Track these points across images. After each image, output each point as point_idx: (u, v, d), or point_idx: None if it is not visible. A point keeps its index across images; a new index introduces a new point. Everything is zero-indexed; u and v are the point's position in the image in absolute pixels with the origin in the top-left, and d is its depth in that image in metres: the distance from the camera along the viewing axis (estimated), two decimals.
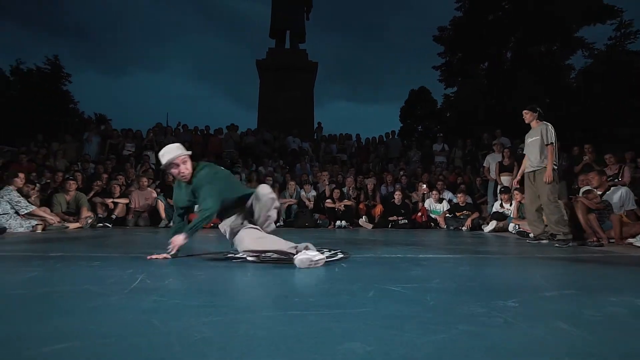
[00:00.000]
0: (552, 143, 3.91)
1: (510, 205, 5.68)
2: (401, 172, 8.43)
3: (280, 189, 7.60)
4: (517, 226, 5.12)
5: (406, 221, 6.47)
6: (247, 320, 1.12)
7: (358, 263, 2.35)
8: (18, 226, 4.47)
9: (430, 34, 21.86)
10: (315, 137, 12.38)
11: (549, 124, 4.01)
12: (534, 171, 4.05)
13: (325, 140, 11.77)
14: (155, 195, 6.55)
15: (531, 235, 4.27)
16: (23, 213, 4.58)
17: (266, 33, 15.11)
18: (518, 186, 4.74)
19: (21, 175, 4.81)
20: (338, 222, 6.53)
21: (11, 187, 4.64)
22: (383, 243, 3.92)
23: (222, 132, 10.77)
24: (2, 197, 4.51)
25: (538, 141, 3.98)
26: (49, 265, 2.12)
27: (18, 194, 4.63)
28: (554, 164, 3.91)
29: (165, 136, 9.56)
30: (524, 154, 4.40)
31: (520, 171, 4.42)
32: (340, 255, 2.67)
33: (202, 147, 10.19)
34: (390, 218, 6.59)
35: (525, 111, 4.19)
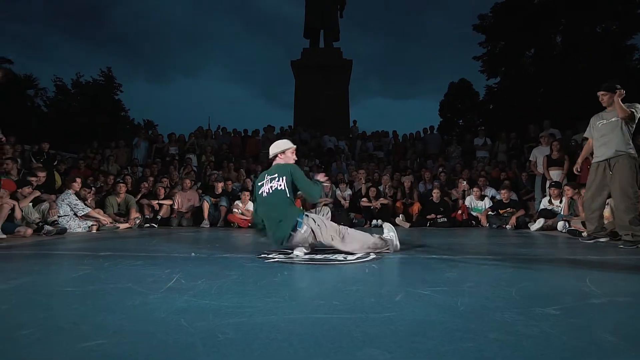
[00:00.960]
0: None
1: (560, 202, 5.28)
2: (440, 169, 8.14)
3: None
4: (567, 224, 4.74)
5: (445, 219, 6.24)
6: (270, 323, 1.14)
7: (390, 264, 2.30)
8: (76, 227, 4.89)
9: (470, 23, 20.90)
10: (350, 136, 12.31)
11: (638, 105, 3.42)
12: (609, 159, 3.44)
13: (361, 138, 11.67)
14: (197, 196, 6.87)
15: (584, 233, 3.93)
16: (80, 215, 5.00)
17: (301, 34, 15.26)
18: (580, 172, 4.16)
19: (78, 180, 5.26)
20: (374, 221, 6.44)
21: (70, 191, 5.09)
22: (419, 243, 3.80)
23: (259, 134, 11.05)
24: (63, 201, 4.95)
25: (619, 123, 3.36)
26: (98, 264, 2.29)
27: (76, 197, 5.06)
28: (635, 153, 3.38)
29: (205, 139, 9.98)
30: (585, 139, 3.84)
31: (582, 156, 3.85)
32: (372, 256, 2.63)
33: (240, 148, 10.54)
34: (429, 217, 6.39)
35: (601, 92, 3.53)
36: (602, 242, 3.58)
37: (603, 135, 3.52)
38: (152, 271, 2.04)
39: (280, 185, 2.70)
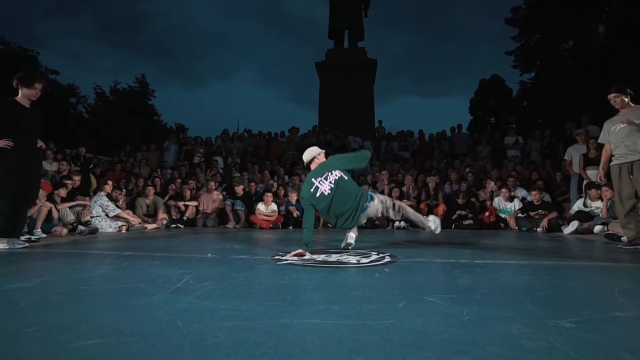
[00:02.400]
0: None
1: (600, 203, 4.93)
2: (467, 169, 7.85)
3: None
4: (605, 227, 4.41)
5: (472, 221, 6.00)
6: (263, 327, 1.12)
7: (403, 268, 2.24)
8: (108, 227, 5.15)
9: (501, 17, 20.09)
10: (377, 135, 12.17)
11: None
12: (631, 162, 3.36)
13: (386, 138, 11.50)
14: (222, 197, 7.02)
15: (624, 238, 3.64)
16: (111, 215, 5.26)
17: (326, 35, 15.27)
18: (605, 181, 4.03)
19: (109, 182, 5.55)
20: (397, 223, 6.32)
21: (102, 193, 5.37)
22: (440, 246, 3.68)
23: (284, 135, 11.16)
24: (95, 202, 5.23)
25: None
26: (118, 264, 2.38)
27: (107, 199, 5.33)
28: None
29: (232, 142, 10.21)
30: (601, 144, 3.79)
31: (602, 163, 3.76)
32: (387, 259, 2.57)
33: (265, 150, 10.69)
34: (454, 217, 6.18)
35: (613, 95, 3.50)
36: None
37: (624, 138, 3.41)
38: (166, 271, 2.09)
39: (336, 175, 2.93)
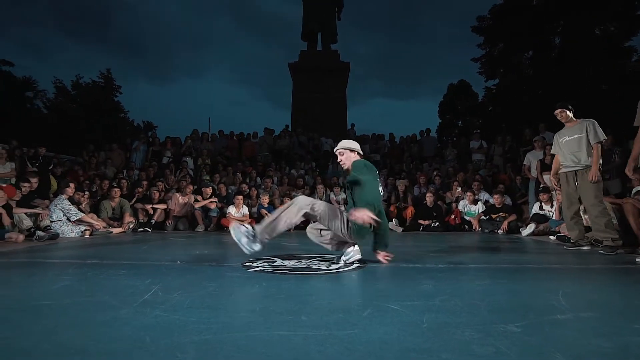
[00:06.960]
0: (601, 141, 3.57)
1: (552, 206, 5.29)
2: (435, 172, 8.15)
3: (310, 191, 7.69)
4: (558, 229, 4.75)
5: (438, 224, 6.24)
6: (232, 340, 1.15)
7: (370, 274, 2.32)
8: (69, 232, 4.92)
9: (469, 23, 20.95)
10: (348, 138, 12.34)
11: (594, 120, 3.66)
12: (576, 171, 3.69)
13: (357, 140, 11.70)
14: (193, 200, 6.87)
15: (572, 240, 3.95)
16: (73, 220, 5.03)
17: (299, 36, 15.30)
18: (557, 187, 4.37)
19: (72, 185, 5.29)
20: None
21: (63, 196, 5.11)
22: (408, 249, 3.82)
23: (256, 136, 11.07)
24: (56, 206, 4.98)
25: (583, 138, 3.63)
26: (82, 274, 2.31)
27: (69, 202, 5.09)
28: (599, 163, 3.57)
29: (202, 142, 10.01)
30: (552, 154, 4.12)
31: (553, 171, 4.06)
32: (355, 265, 2.65)
33: (237, 151, 10.57)
34: (421, 221, 6.39)
35: (558, 111, 3.82)
36: (585, 249, 3.65)
37: (569, 150, 3.74)
38: (133, 282, 2.06)
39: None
